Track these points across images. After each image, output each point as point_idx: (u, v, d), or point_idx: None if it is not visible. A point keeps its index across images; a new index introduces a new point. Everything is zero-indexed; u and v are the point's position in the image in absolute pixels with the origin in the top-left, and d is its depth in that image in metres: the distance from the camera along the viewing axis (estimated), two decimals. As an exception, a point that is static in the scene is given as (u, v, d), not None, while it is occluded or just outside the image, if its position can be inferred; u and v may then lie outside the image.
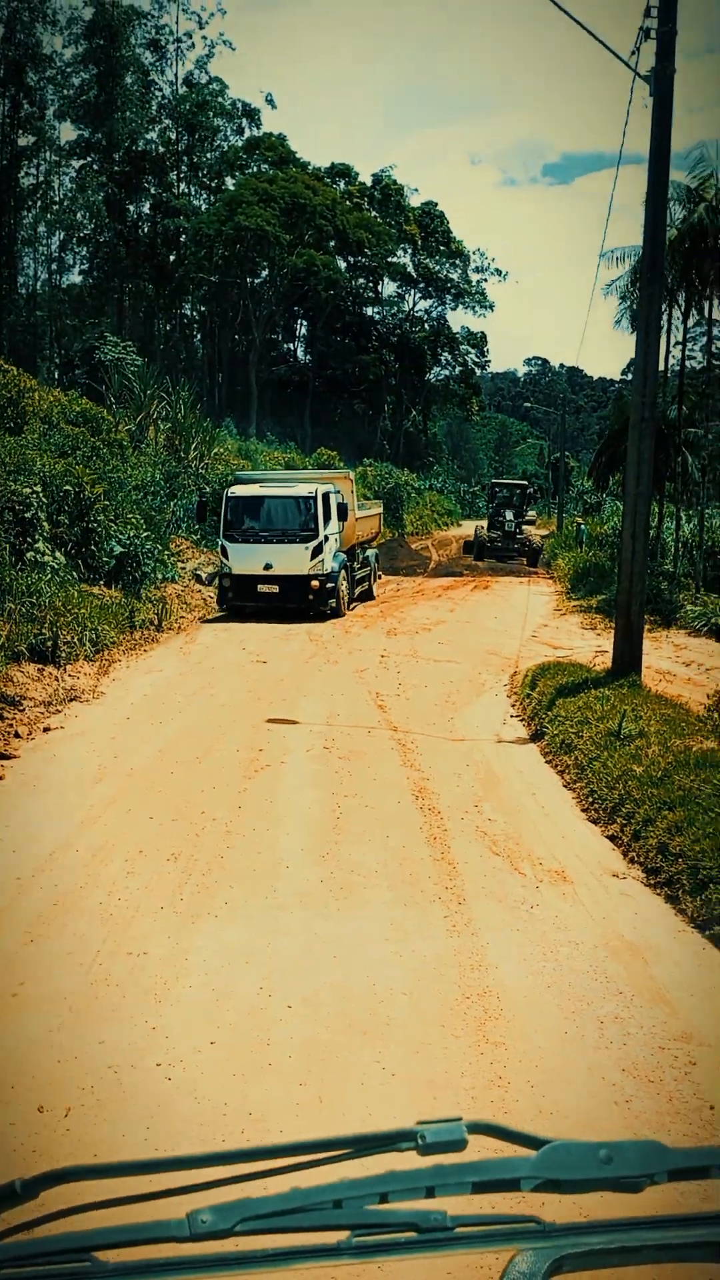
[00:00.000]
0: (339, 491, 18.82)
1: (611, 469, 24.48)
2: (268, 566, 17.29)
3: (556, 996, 4.47)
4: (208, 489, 23.04)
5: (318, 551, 17.39)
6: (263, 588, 17.41)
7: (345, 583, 18.68)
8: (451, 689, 11.44)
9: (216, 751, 8.50)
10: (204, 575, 19.61)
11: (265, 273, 58.76)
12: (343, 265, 63.61)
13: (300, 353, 68.67)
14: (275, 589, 17.37)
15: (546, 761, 8.49)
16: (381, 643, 14.83)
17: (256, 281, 59.76)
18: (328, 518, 17.76)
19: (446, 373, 74.65)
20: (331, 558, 17.94)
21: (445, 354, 72.57)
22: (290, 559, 17.29)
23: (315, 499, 17.54)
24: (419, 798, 7.34)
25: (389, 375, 66.73)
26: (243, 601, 17.61)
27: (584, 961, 4.80)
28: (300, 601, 17.49)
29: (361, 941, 4.97)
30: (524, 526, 35.71)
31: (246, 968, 4.68)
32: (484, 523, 37.50)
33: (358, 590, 20.25)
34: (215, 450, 26.74)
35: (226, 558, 17.59)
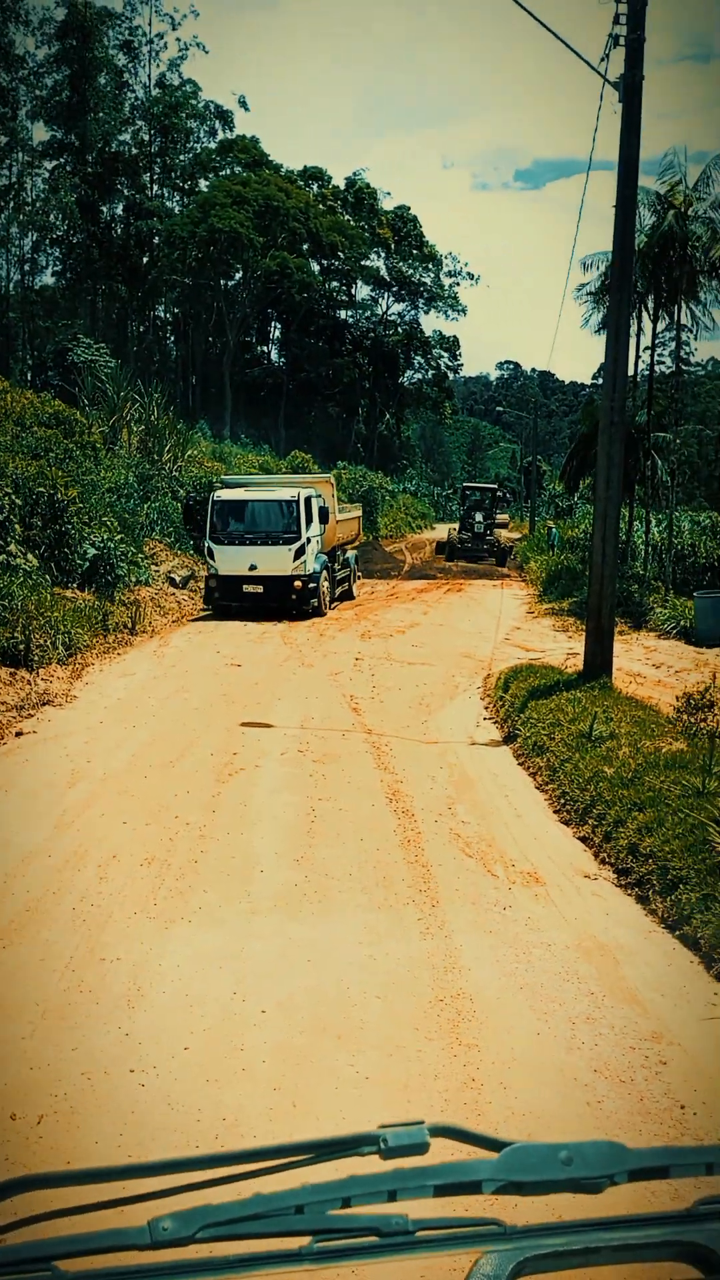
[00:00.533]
0: (320, 495, 19.39)
1: (582, 473, 24.64)
2: (252, 567, 17.83)
3: (529, 998, 4.48)
4: (182, 492, 23.01)
5: (300, 553, 17.91)
6: (248, 588, 17.97)
7: (326, 583, 19.23)
8: (426, 692, 11.46)
9: (190, 755, 8.47)
10: (178, 578, 19.53)
11: (239, 275, 58.65)
12: (316, 268, 63.63)
13: (274, 355, 68.60)
14: (260, 589, 17.93)
15: (519, 763, 8.52)
16: (356, 646, 14.84)
17: (230, 284, 59.63)
18: (309, 521, 18.28)
19: (420, 376, 74.82)
20: (314, 559, 18.47)
21: (418, 357, 72.75)
22: (274, 560, 17.83)
23: (298, 503, 18.05)
24: (393, 801, 7.35)
25: (362, 378, 66.84)
26: (228, 601, 18.17)
27: (556, 963, 4.82)
28: (284, 601, 18.03)
29: (335, 945, 4.96)
30: (494, 529, 36.57)
31: (220, 972, 4.67)
32: (456, 525, 38.18)
33: (338, 590, 20.82)
34: (189, 452, 26.65)
35: (213, 559, 18.12)
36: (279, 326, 67.33)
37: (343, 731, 9.42)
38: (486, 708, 10.68)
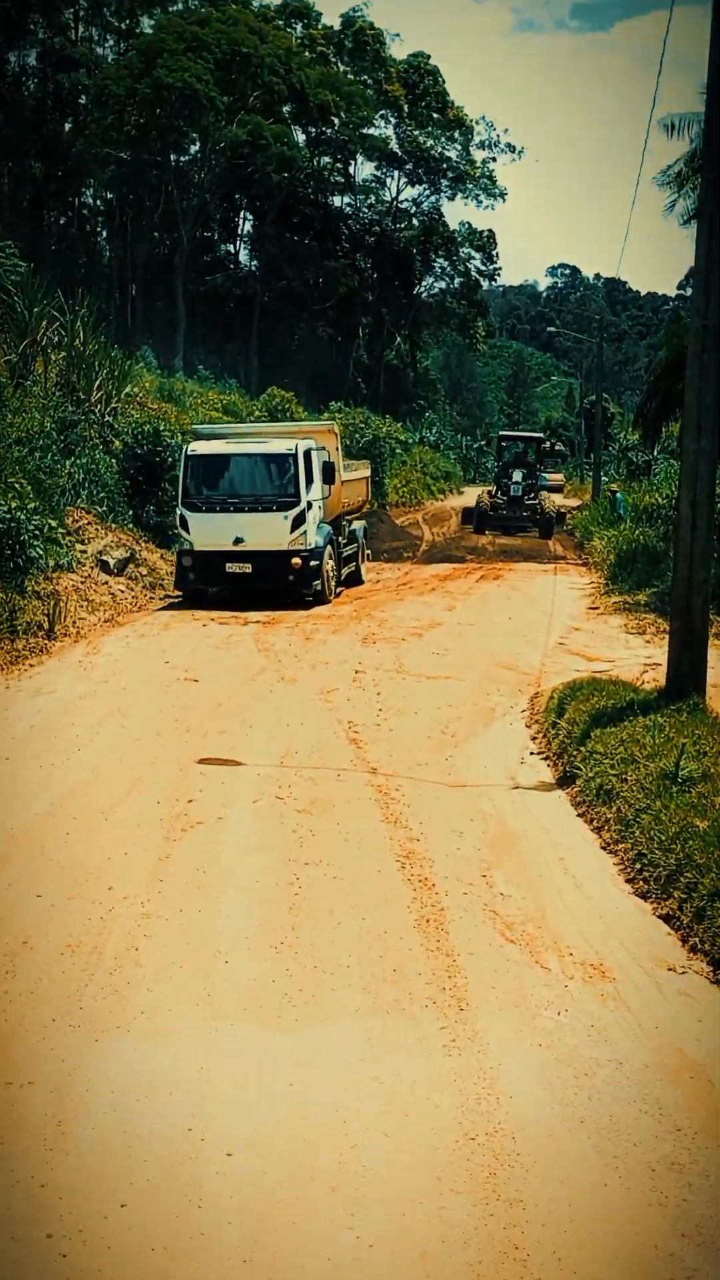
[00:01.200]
0: (323, 449, 20.17)
1: (665, 416, 24.69)
2: (238, 541, 18.57)
3: (593, 1136, 4.50)
4: (118, 444, 23.01)
5: (299, 522, 18.65)
6: (232, 567, 18.74)
7: (331, 560, 20.02)
8: (450, 716, 11.53)
9: (130, 804, 8.56)
10: (113, 561, 19.55)
11: (195, 148, 58.87)
12: (301, 138, 63.87)
13: (244, 257, 68.96)
14: (247, 568, 18.70)
15: (579, 814, 8.58)
16: (356, 653, 14.97)
17: (184, 160, 59.84)
18: (310, 481, 19.04)
19: (442, 285, 75.21)
20: (316, 530, 19.21)
21: (440, 260, 73.10)
22: (266, 531, 18.55)
23: (296, 457, 18.81)
24: (406, 865, 7.40)
25: (364, 288, 67.09)
26: (207, 584, 19.06)
27: (630, 1087, 4.85)
28: (278, 583, 18.81)
29: (328, 1063, 4.99)
30: (538, 491, 37.16)
31: (170, 1100, 4.67)
32: (491, 488, 39.05)
33: (344, 571, 21.60)
34: (128, 390, 26.70)
35: (186, 530, 18.90)
36: (250, 219, 67.55)
37: (337, 770, 9.46)
38: (534, 738, 10.74)
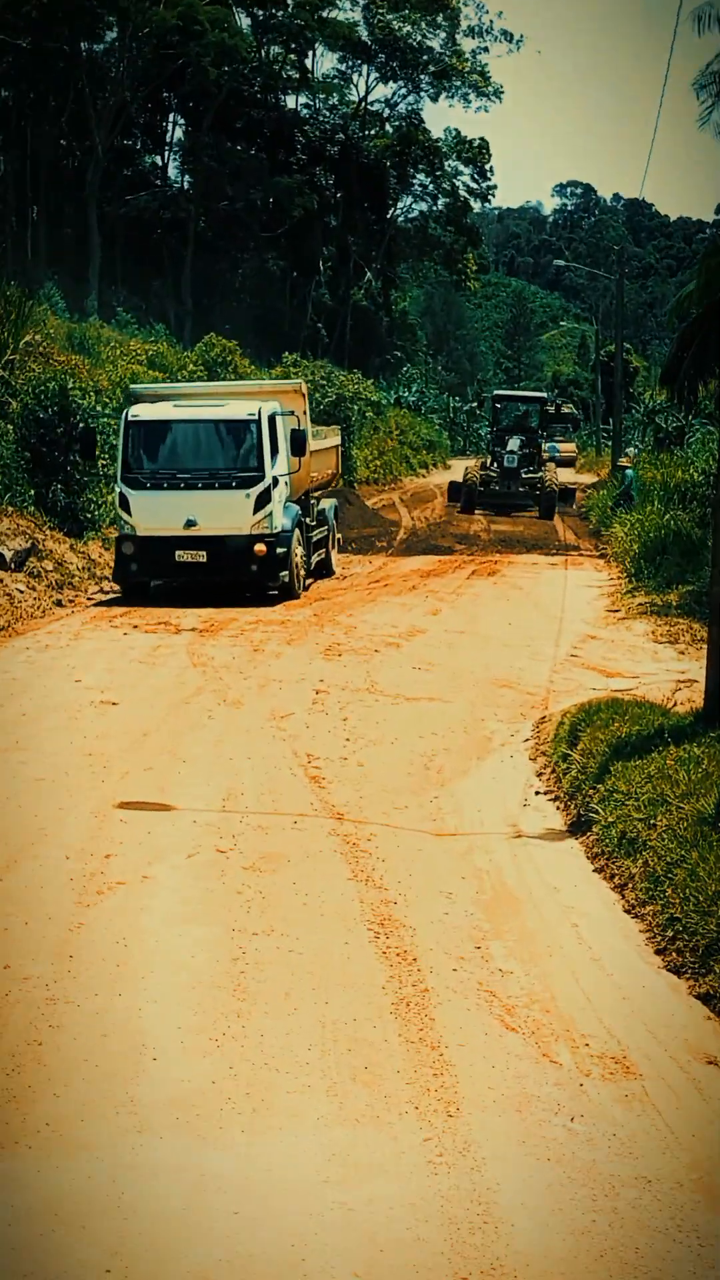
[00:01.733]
0: (290, 413, 21.06)
1: (701, 372, 24.78)
2: (190, 524, 19.45)
3: (615, 1273, 4.51)
4: (15, 406, 22.92)
5: (264, 501, 19.60)
6: (183, 555, 19.61)
7: (300, 547, 21.01)
8: (435, 747, 11.61)
9: (30, 860, 8.57)
10: (9, 555, 19.50)
11: (113, 34, 58.81)
12: (245, 23, 63.94)
13: (174, 172, 68.88)
14: (201, 557, 19.60)
15: (596, 869, 8.66)
16: (316, 668, 15.06)
17: (98, 49, 59.77)
18: (275, 451, 19.97)
19: (423, 208, 75.60)
20: (283, 510, 20.15)
21: (421, 175, 73.40)
22: (224, 513, 19.43)
23: (258, 423, 19.71)
24: (381, 935, 7.45)
25: (325, 210, 67.18)
26: (152, 576, 20.10)
27: (661, 1212, 4.86)
28: (239, 573, 19.75)
29: (282, 1186, 4.98)
30: (539, 463, 38.31)
31: (82, 1235, 4.65)
32: (488, 459, 40.19)
33: (314, 559, 22.66)
34: (27, 339, 26.62)
35: (127, 512, 19.83)
36: (181, 124, 67.47)
37: (294, 817, 9.52)
38: (540, 774, 10.84)
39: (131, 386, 24.70)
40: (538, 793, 10.35)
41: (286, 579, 19.90)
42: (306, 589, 21.34)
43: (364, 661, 15.40)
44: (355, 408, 45.67)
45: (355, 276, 70.80)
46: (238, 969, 6.92)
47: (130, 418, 20.14)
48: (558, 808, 9.96)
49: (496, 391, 53.34)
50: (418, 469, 56.94)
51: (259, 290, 64.52)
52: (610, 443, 52.61)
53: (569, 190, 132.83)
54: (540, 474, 37.51)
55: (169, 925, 7.51)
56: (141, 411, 20.31)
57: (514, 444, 38.07)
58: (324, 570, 23.45)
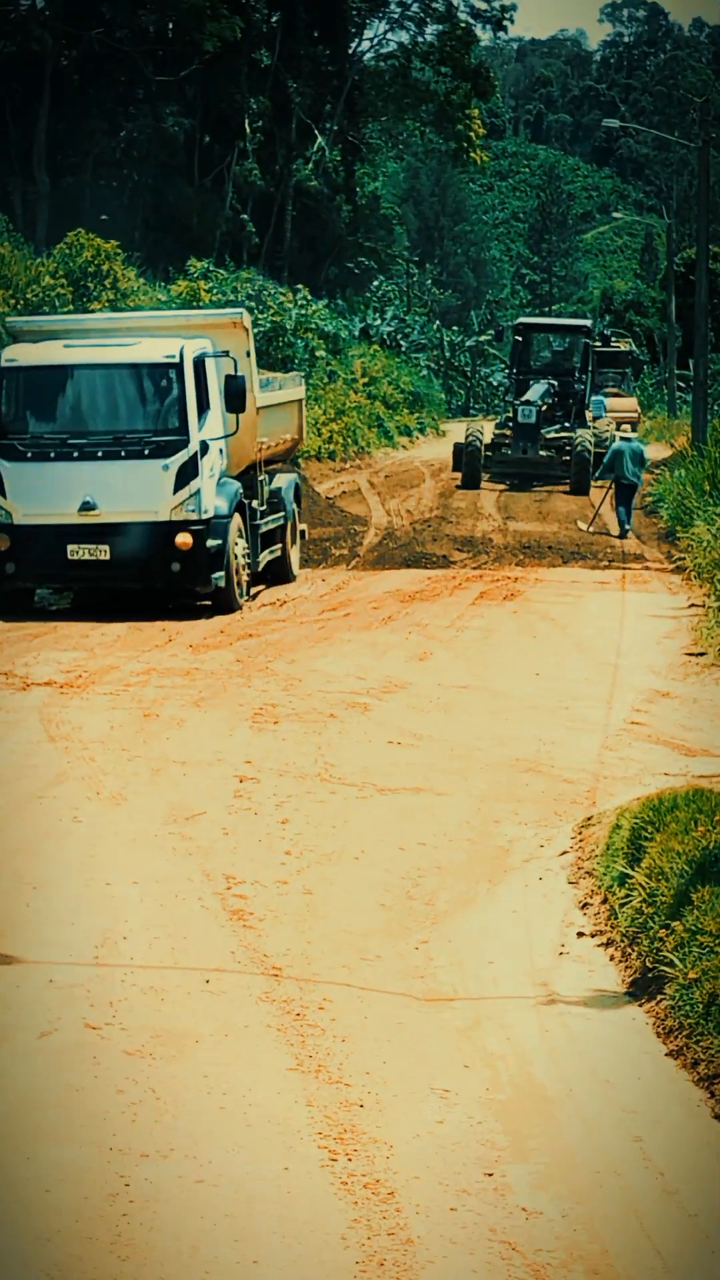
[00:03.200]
0: (226, 354, 22.40)
1: None
2: (87, 507, 21.03)
3: None
4: None
5: (188, 475, 21.12)
6: (77, 551, 21.13)
7: (242, 540, 22.34)
8: (425, 864, 11.64)
9: None
10: None
11: None
12: None
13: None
14: (103, 552, 21.15)
15: (671, 1051, 8.56)
16: (239, 743, 15.13)
17: None
18: (204, 407, 21.50)
19: (403, 38, 75.81)
20: (216, 489, 21.68)
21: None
22: (132, 491, 21.15)
23: (181, 367, 21.24)
24: (340, 1156, 7.36)
25: (254, 43, 67.19)
26: (37, 580, 21.81)
27: None
28: (155, 576, 21.36)
29: None
30: (574, 421, 41.36)
31: None
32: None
33: (263, 557, 24.09)
34: None
35: (1, 493, 21.27)
36: None
37: (206, 973, 9.49)
38: (586, 904, 10.81)
39: (9, 320, 26.00)
40: (581, 934, 10.29)
41: (222, 583, 21.11)
42: (252, 598, 22.23)
43: (313, 732, 15.35)
44: (299, 344, 45.79)
45: (300, 143, 71.00)
46: (116, 1213, 6.78)
47: (6, 363, 21.17)
48: (612, 957, 9.88)
49: (520, 319, 55.17)
50: (396, 437, 56.84)
51: (152, 164, 64.35)
52: (692, 398, 52.63)
53: (625, 13, 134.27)
54: (573, 433, 39.78)
55: (11, 1148, 7.34)
56: (20, 354, 21.52)
57: (534, 392, 40.70)
58: (280, 574, 24.78)
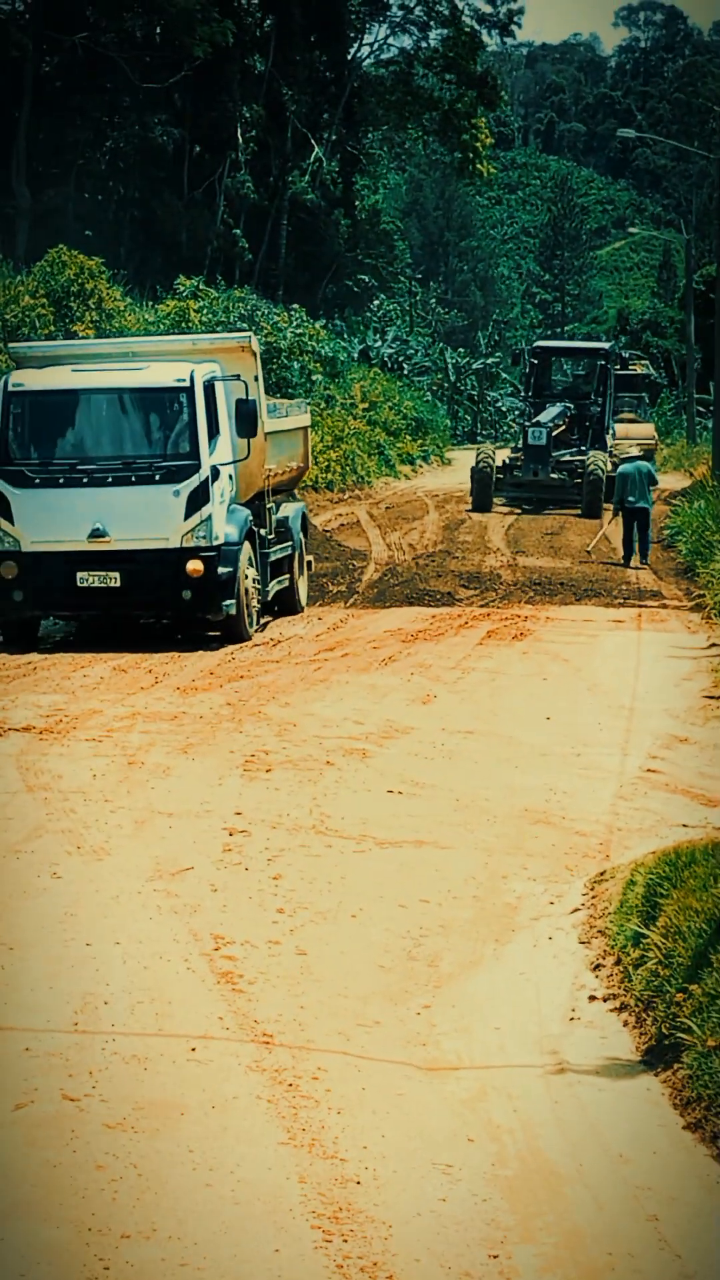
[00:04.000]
0: (236, 378, 23.37)
1: None
2: (97, 534, 21.88)
3: None
4: None
5: (199, 500, 22.06)
6: (87, 578, 21.99)
7: (253, 569, 23.33)
8: (428, 922, 11.66)
9: None
10: None
11: None
12: None
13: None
14: (114, 579, 21.99)
15: (689, 1124, 8.53)
16: (229, 793, 15.16)
17: None
18: (215, 432, 22.54)
19: (405, 43, 76.06)
20: (226, 515, 22.58)
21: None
22: (144, 518, 22.06)
23: (191, 392, 22.14)
24: (336, 1236, 7.33)
25: (247, 48, 67.42)
26: (45, 609, 22.59)
27: None
28: (165, 604, 22.49)
29: None
30: (593, 439, 43.30)
31: None
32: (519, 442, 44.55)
33: (272, 586, 25.15)
34: None
35: (8, 519, 22.04)
36: None
37: (192, 1040, 9.48)
38: (598, 966, 10.81)
39: (11, 345, 26.91)
40: (593, 998, 10.29)
41: (233, 611, 21.81)
42: (261, 628, 22.93)
43: (308, 781, 15.36)
44: (295, 366, 45.87)
45: (296, 154, 71.26)
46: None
47: (11, 387, 21.95)
48: (625, 1023, 9.88)
49: (538, 343, 57.16)
50: (398, 466, 56.86)
51: (139, 176, 64.65)
52: (713, 424, 52.77)
53: (641, 17, 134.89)
54: (585, 456, 41.17)
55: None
56: (28, 379, 22.06)
57: (547, 414, 42.63)
58: (288, 604, 25.90)
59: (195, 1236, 7.28)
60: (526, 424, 43.55)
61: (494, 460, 43.00)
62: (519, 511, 41.96)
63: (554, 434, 42.73)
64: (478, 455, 43.74)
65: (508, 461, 43.38)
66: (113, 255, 44.88)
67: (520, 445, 43.77)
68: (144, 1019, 9.72)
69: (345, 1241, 7.26)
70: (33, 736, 17.05)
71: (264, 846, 13.17)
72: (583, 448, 42.84)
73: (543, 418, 43.45)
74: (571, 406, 44.29)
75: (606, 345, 52.46)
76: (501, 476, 43.00)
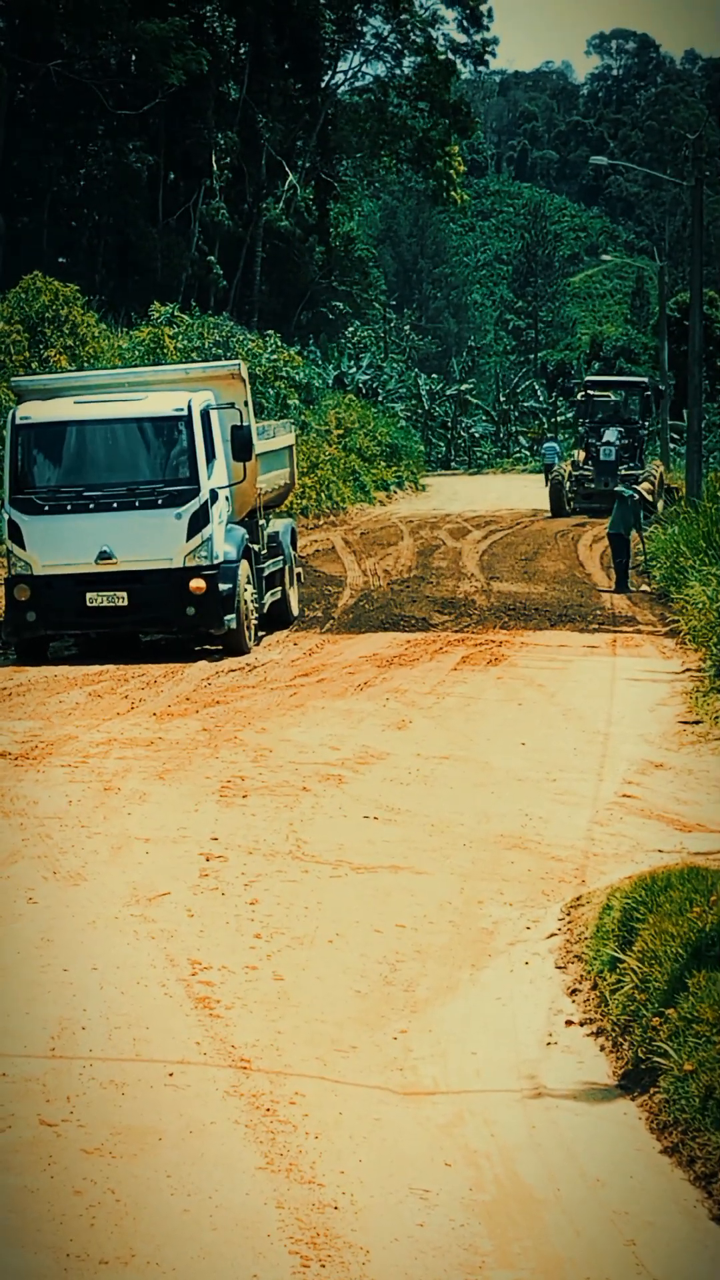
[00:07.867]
0: (230, 405, 24.88)
1: None
2: (105, 556, 23.28)
3: None
4: None
5: (200, 522, 23.50)
6: (95, 599, 23.45)
7: (250, 586, 24.84)
8: (404, 948, 11.66)
9: None
10: None
11: None
12: None
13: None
14: (122, 598, 23.42)
15: (666, 1148, 8.56)
16: (205, 819, 15.17)
17: None
18: (212, 456, 24.02)
19: (380, 70, 76.09)
20: (225, 535, 24.10)
21: (376, 18, 74.14)
22: (148, 540, 23.46)
23: (189, 419, 23.68)
24: (314, 1261, 7.33)
25: (222, 75, 67.37)
26: (57, 627, 24.07)
27: None
28: (171, 620, 24.07)
29: None
30: (640, 457, 52.22)
31: None
32: (574, 460, 53.25)
33: (267, 599, 26.91)
34: None
35: (20, 544, 23.58)
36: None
37: (169, 1065, 9.48)
38: (575, 990, 10.81)
39: (14, 380, 27.82)
40: (570, 1022, 10.29)
41: (234, 625, 23.51)
42: (258, 642, 24.99)
43: (284, 807, 15.36)
44: (270, 393, 45.86)
45: (270, 181, 71.26)
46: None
47: (19, 420, 22.89)
48: (602, 1047, 9.89)
49: (587, 378, 66.90)
50: (372, 492, 56.76)
51: (113, 203, 64.54)
52: (686, 448, 52.96)
53: (614, 45, 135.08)
54: (643, 469, 47.76)
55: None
56: (32, 412, 23.22)
57: (611, 434, 50.48)
58: (281, 616, 27.86)
59: (173, 1262, 7.28)
60: (597, 442, 50.91)
61: (564, 475, 50.58)
62: (585, 518, 48.16)
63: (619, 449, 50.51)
64: (552, 472, 53.30)
65: (577, 475, 50.47)
66: (87, 281, 44.96)
67: (585, 460, 51.15)
68: (121, 1044, 9.70)
69: (323, 1267, 7.25)
70: (8, 762, 17.01)
71: (240, 872, 13.16)
72: (633, 464, 49.27)
73: (610, 438, 51.30)
74: (621, 428, 51.79)
75: (645, 379, 61.61)
76: (575, 489, 50.28)
